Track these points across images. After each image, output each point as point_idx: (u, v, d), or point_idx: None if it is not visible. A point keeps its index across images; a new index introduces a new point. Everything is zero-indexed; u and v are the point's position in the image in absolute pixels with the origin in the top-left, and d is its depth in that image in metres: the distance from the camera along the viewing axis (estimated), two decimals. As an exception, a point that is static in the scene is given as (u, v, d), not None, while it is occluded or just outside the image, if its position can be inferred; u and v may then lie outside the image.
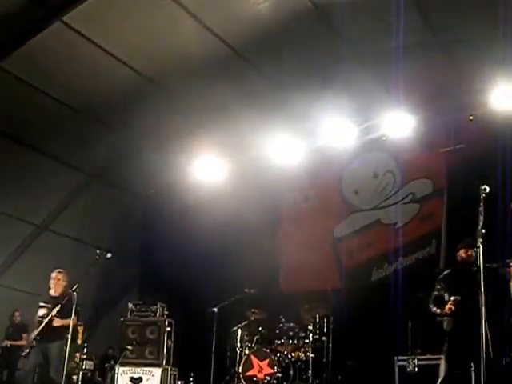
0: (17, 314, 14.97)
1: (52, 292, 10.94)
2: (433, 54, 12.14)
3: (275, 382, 11.70)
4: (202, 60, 12.34)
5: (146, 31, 11.73)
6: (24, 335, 14.47)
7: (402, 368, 10.49)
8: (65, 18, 11.03)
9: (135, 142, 14.77)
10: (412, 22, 11.07)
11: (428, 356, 10.42)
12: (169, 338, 13.18)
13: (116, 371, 12.73)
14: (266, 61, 12.64)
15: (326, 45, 12.21)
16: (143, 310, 13.16)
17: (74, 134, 14.00)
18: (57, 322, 10.38)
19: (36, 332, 10.42)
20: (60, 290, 10.87)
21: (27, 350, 10.35)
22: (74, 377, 12.98)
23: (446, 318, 9.10)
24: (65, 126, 13.76)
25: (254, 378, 11.83)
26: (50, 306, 10.64)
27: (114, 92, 13.09)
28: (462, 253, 9.24)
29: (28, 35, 11.13)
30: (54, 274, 11.06)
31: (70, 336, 10.12)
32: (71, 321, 10.21)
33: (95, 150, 14.74)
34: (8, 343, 14.57)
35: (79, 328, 13.07)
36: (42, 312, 10.68)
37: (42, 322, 10.43)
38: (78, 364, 13.01)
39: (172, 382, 12.89)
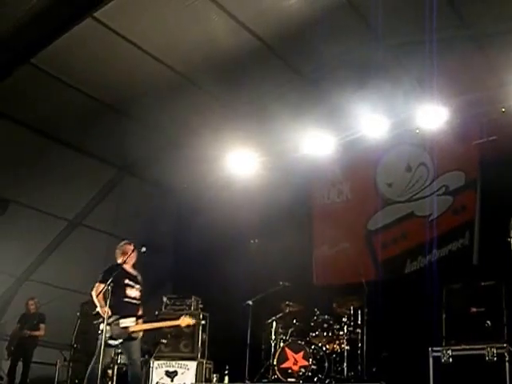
0: (31, 302, 14.74)
1: (131, 269, 10.44)
2: (465, 47, 12.12)
3: (310, 374, 11.65)
4: (234, 55, 12.41)
5: (178, 26, 11.81)
6: (42, 325, 14.46)
7: (437, 359, 10.47)
8: (96, 15, 11.13)
9: (168, 137, 14.90)
10: (444, 14, 11.09)
11: (462, 347, 10.39)
12: (203, 331, 13.29)
13: (151, 365, 12.86)
14: (298, 55, 12.71)
15: (358, 39, 12.25)
16: (178, 303, 13.25)
17: (107, 130, 14.15)
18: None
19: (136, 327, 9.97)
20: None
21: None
22: (110, 371, 12.99)
23: None
24: (98, 121, 13.90)
25: (289, 371, 11.79)
26: (138, 287, 10.23)
27: (147, 87, 13.17)
28: None
29: (58, 32, 11.21)
30: (132, 247, 10.50)
31: (104, 330, 9.74)
32: None
33: (128, 145, 14.86)
34: (27, 333, 14.33)
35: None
36: (134, 293, 10.16)
37: (135, 304, 10.10)
38: (112, 358, 12.98)
39: (207, 375, 13.00)
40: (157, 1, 11.18)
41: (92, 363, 9.80)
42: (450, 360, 10.35)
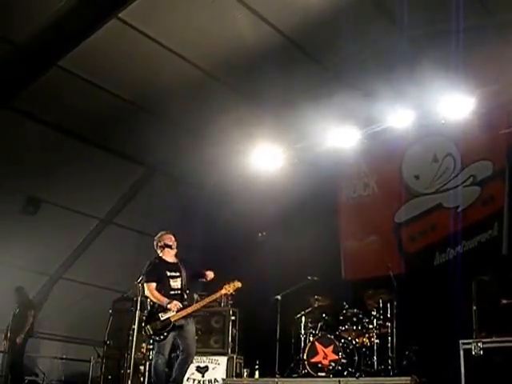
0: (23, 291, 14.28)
1: (172, 258, 10.08)
2: (490, 36, 12.05)
3: (340, 368, 11.63)
4: (258, 50, 12.50)
5: (202, 24, 11.94)
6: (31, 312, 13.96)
7: (468, 351, 10.37)
8: (121, 15, 11.24)
9: (194, 134, 14.97)
10: (469, 3, 11.03)
11: (493, 339, 10.29)
12: (233, 326, 13.40)
13: (182, 361, 12.89)
14: (322, 48, 12.81)
15: (382, 30, 12.26)
16: (208, 299, 13.28)
17: (134, 129, 14.27)
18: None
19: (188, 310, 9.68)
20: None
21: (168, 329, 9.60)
22: (141, 367, 13.06)
23: None
24: (125, 121, 14.05)
25: (319, 365, 11.79)
26: (177, 274, 9.90)
27: (173, 85, 13.31)
28: None
29: (84, 34, 11.35)
30: (172, 236, 10.17)
31: (136, 327, 9.98)
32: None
33: (156, 144, 14.96)
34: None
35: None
36: (177, 283, 9.83)
37: (180, 295, 9.77)
38: (144, 354, 13.06)
39: (237, 370, 13.07)
40: (180, 0, 11.28)
41: (153, 361, 9.86)
42: (481, 352, 10.20)
